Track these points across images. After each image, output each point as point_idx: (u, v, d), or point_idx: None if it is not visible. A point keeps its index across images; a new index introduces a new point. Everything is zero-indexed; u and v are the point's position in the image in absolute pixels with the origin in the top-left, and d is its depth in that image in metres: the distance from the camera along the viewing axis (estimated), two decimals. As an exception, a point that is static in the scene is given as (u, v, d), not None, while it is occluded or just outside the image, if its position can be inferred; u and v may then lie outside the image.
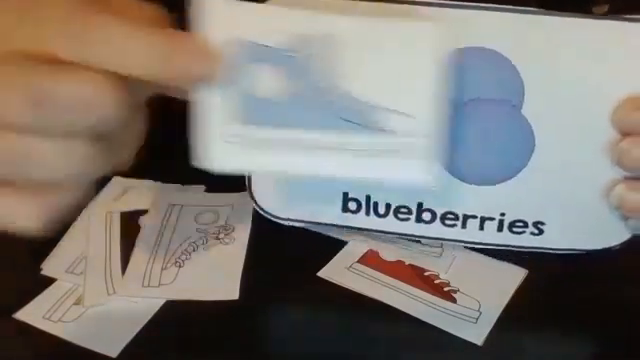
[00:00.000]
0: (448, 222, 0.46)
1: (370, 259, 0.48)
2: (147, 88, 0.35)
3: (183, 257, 0.48)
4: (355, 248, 0.49)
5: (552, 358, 0.42)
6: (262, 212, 0.48)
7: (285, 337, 0.43)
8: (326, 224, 0.48)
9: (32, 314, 0.44)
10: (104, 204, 0.52)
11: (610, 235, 0.45)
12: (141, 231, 0.50)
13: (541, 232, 0.45)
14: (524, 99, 0.41)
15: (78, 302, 0.45)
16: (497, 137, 0.43)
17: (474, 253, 0.48)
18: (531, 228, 0.45)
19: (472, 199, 0.45)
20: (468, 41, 0.40)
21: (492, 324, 0.43)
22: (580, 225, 0.45)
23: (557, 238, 0.45)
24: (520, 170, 0.43)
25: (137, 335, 0.42)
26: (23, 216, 0.34)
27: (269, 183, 0.47)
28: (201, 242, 0.49)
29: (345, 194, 0.46)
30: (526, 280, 0.46)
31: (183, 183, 0.54)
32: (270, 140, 0.34)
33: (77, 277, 0.46)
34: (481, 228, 0.45)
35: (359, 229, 0.47)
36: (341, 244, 0.49)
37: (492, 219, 0.45)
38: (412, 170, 0.35)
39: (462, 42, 0.40)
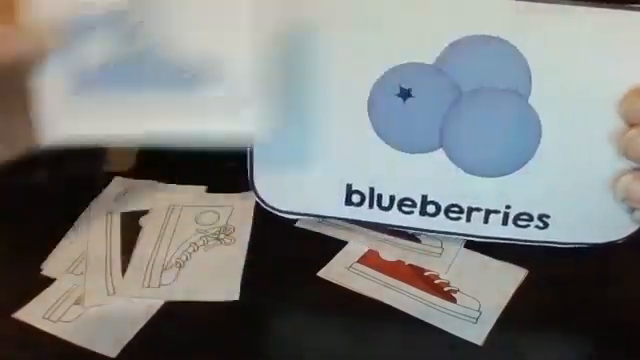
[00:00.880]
0: (452, 215, 0.45)
1: (370, 259, 0.48)
2: None
3: (183, 257, 0.48)
4: (355, 248, 0.49)
5: (552, 358, 0.42)
6: (264, 205, 0.48)
7: (285, 337, 0.43)
8: (328, 217, 0.48)
9: (32, 314, 0.44)
10: (104, 204, 0.52)
11: (615, 229, 0.44)
12: (141, 231, 0.50)
13: (546, 225, 0.45)
14: (531, 88, 0.41)
15: (78, 302, 0.45)
16: (503, 127, 0.42)
17: (474, 253, 0.48)
18: (536, 221, 0.45)
19: (477, 191, 0.44)
20: (475, 29, 0.40)
21: (492, 324, 0.43)
22: (585, 218, 0.44)
23: (562, 232, 0.45)
24: (526, 161, 0.43)
25: (137, 335, 0.42)
26: None
27: (272, 176, 0.47)
28: (201, 243, 0.49)
29: (349, 186, 0.46)
30: (526, 280, 0.46)
31: (183, 183, 0.54)
32: (105, 106, 0.36)
33: (77, 277, 0.46)
34: (485, 221, 0.45)
35: (361, 222, 0.47)
36: (341, 244, 0.49)
37: (497, 212, 0.45)
38: (236, 122, 0.37)
39: (468, 30, 0.40)
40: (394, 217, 0.46)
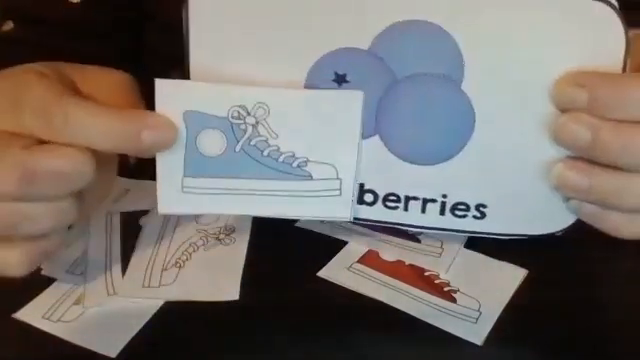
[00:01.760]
0: (390, 204, 0.45)
1: (370, 259, 0.48)
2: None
3: (183, 258, 0.48)
4: (355, 248, 0.49)
5: (552, 358, 0.42)
6: None
7: (285, 337, 0.43)
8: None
9: (32, 314, 0.44)
10: (104, 204, 0.52)
11: (554, 220, 0.44)
12: (141, 231, 0.50)
13: (483, 216, 0.44)
14: (464, 74, 0.41)
15: (78, 302, 0.45)
16: (436, 114, 0.42)
17: (474, 253, 0.48)
18: (473, 211, 0.44)
19: (413, 179, 0.44)
20: (407, 14, 0.40)
21: (492, 324, 0.43)
22: (523, 209, 0.44)
23: (499, 222, 0.44)
24: (461, 149, 0.42)
25: (137, 335, 0.42)
26: (13, 265, 0.40)
27: None
28: (201, 243, 0.49)
29: None
30: (526, 280, 0.46)
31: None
32: (217, 189, 0.42)
33: (77, 277, 0.46)
34: (423, 211, 0.45)
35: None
36: (341, 244, 0.49)
37: (434, 201, 0.44)
38: (332, 208, 0.43)
39: (402, 15, 0.40)
40: None
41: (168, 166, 0.41)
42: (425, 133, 0.42)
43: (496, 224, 0.45)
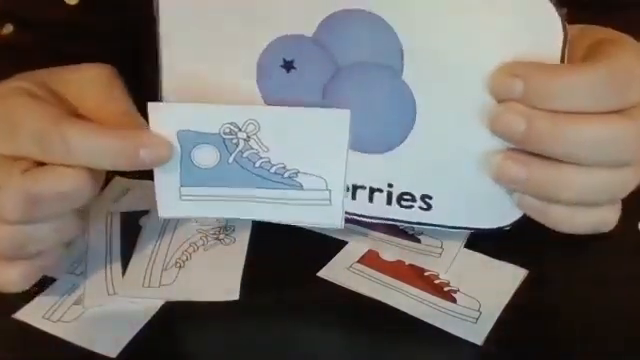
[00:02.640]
0: None
1: (370, 259, 0.48)
2: None
3: (183, 258, 0.48)
4: (355, 248, 0.49)
5: (552, 358, 0.42)
6: None
7: (285, 337, 0.43)
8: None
9: (32, 314, 0.44)
10: (104, 204, 0.52)
11: (500, 214, 0.44)
12: (141, 232, 0.50)
13: (429, 207, 0.45)
14: (404, 64, 0.41)
15: (78, 302, 0.45)
16: (378, 103, 0.42)
17: (474, 253, 0.48)
18: (419, 202, 0.45)
19: (360, 168, 0.44)
20: (347, 3, 0.40)
21: (492, 324, 0.43)
22: (468, 201, 0.44)
23: (445, 214, 0.45)
24: (404, 138, 0.43)
25: (137, 335, 0.42)
26: (13, 282, 0.41)
27: None
28: (201, 243, 0.49)
29: None
30: (526, 280, 0.46)
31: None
32: (212, 196, 0.44)
33: (77, 277, 0.46)
34: (370, 200, 0.45)
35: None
36: (341, 244, 0.49)
37: (380, 190, 0.45)
38: (322, 215, 0.45)
39: (343, 3, 0.40)
40: None
41: (165, 178, 0.43)
42: (368, 121, 0.43)
43: (442, 216, 0.45)
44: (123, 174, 0.53)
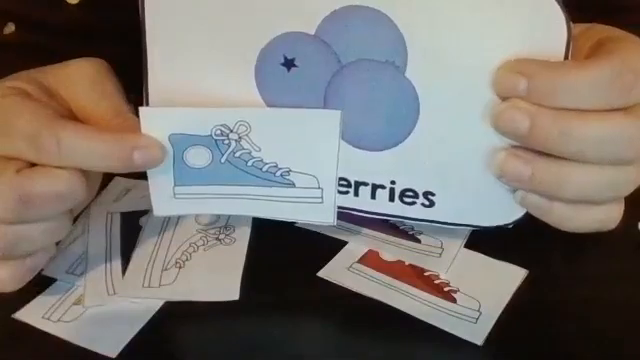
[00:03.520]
0: (341, 189, 0.45)
1: (370, 259, 0.48)
2: None
3: (183, 258, 0.48)
4: (355, 248, 0.49)
5: (552, 358, 0.42)
6: None
7: (285, 337, 0.43)
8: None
9: (32, 314, 0.44)
10: (104, 204, 0.52)
11: (503, 211, 0.44)
12: (141, 231, 0.50)
13: (432, 204, 0.45)
14: (407, 60, 0.41)
15: (78, 302, 0.45)
16: (381, 100, 0.42)
17: (474, 253, 0.48)
18: (422, 199, 0.44)
19: (362, 165, 0.44)
20: (345, 0, 0.40)
21: (492, 324, 0.43)
22: (471, 198, 0.44)
23: (448, 211, 0.45)
24: (407, 135, 0.43)
25: (137, 335, 0.42)
26: (4, 282, 0.42)
27: None
28: (201, 243, 0.49)
29: None
30: (526, 280, 0.46)
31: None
32: (206, 194, 0.45)
33: (77, 277, 0.46)
34: (373, 197, 0.45)
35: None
36: (341, 244, 0.49)
37: (383, 187, 0.45)
38: (315, 213, 0.45)
39: (340, 2, 0.40)
40: None
41: (159, 178, 0.44)
42: (371, 119, 0.43)
43: (445, 213, 0.45)
44: (123, 174, 0.53)
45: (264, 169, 0.44)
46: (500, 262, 0.47)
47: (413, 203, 0.45)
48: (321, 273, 0.47)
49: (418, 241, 0.49)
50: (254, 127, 0.43)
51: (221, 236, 0.50)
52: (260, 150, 0.43)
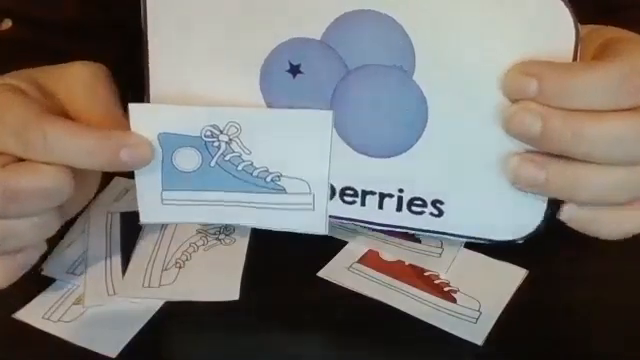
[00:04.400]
0: (347, 198, 0.44)
1: (370, 259, 0.48)
2: None
3: (183, 258, 0.48)
4: (355, 248, 0.49)
5: (552, 358, 0.42)
6: None
7: (285, 337, 0.43)
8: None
9: (32, 314, 0.44)
10: (104, 204, 0.52)
11: (514, 226, 0.43)
12: (141, 231, 0.50)
13: (441, 213, 0.44)
14: (415, 65, 0.40)
15: (78, 302, 0.45)
16: (388, 105, 0.41)
17: (474, 253, 0.48)
18: (430, 208, 0.44)
19: (369, 172, 0.43)
20: (356, 4, 0.39)
21: (492, 324, 0.43)
22: (481, 209, 0.43)
23: (457, 222, 0.44)
24: (415, 141, 0.42)
25: (137, 335, 0.43)
26: None
27: None
28: (201, 243, 0.49)
29: None
30: (526, 280, 0.46)
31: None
32: (194, 200, 0.44)
33: (77, 277, 0.46)
34: (380, 206, 0.44)
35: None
36: (341, 244, 0.49)
37: (391, 196, 0.44)
38: (306, 221, 0.44)
39: (352, 5, 0.39)
40: None
41: (147, 182, 0.43)
42: (378, 125, 0.42)
43: (453, 223, 0.44)
44: (123, 174, 0.53)
45: (254, 174, 0.43)
46: (500, 262, 0.47)
47: (421, 212, 0.44)
48: (321, 273, 0.47)
49: (418, 241, 0.49)
50: (245, 128, 0.42)
51: (221, 236, 0.50)
52: (250, 153, 0.43)
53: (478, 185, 0.42)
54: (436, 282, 0.46)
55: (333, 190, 0.44)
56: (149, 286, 0.46)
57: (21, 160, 0.40)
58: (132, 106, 0.41)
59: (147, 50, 0.42)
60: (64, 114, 0.42)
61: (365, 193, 0.44)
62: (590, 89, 0.37)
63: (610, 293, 0.46)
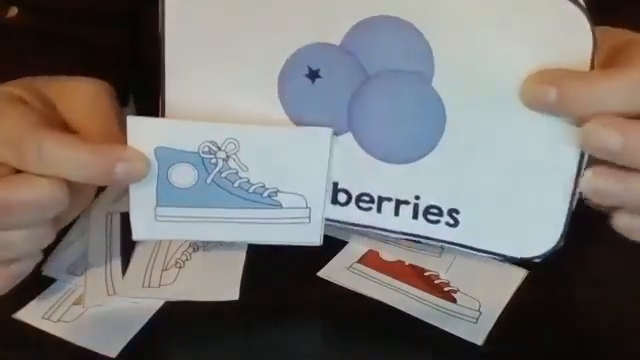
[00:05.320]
0: (363, 205, 0.44)
1: (370, 259, 0.48)
2: None
3: (183, 258, 0.48)
4: (355, 248, 0.49)
5: (552, 358, 0.42)
6: None
7: (285, 337, 0.43)
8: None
9: (32, 314, 0.44)
10: (104, 204, 0.52)
11: (532, 241, 0.43)
12: (141, 231, 0.50)
13: (457, 223, 0.44)
14: (434, 71, 0.40)
15: (78, 302, 0.45)
16: (407, 111, 0.41)
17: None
18: (446, 217, 0.43)
19: (386, 179, 0.43)
20: (378, 10, 0.39)
21: (492, 324, 0.43)
22: (497, 221, 0.43)
23: (472, 233, 0.44)
24: (432, 148, 0.42)
25: (137, 335, 0.43)
26: None
27: None
28: (201, 243, 0.49)
29: None
30: (526, 280, 0.46)
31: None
32: (188, 217, 0.44)
33: (77, 277, 0.46)
34: (396, 213, 0.44)
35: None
36: (341, 244, 0.49)
37: (407, 203, 0.44)
38: (301, 233, 0.45)
39: (372, 11, 0.39)
40: None
41: (141, 197, 0.43)
42: (396, 130, 0.42)
43: (469, 234, 0.44)
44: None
45: (250, 190, 0.43)
46: (500, 262, 0.47)
47: (437, 222, 0.44)
48: (321, 273, 0.47)
49: (418, 241, 0.49)
50: (243, 145, 0.42)
51: (221, 236, 0.50)
52: (247, 170, 0.42)
53: (494, 194, 0.42)
54: (436, 282, 0.46)
55: (349, 196, 0.44)
56: (149, 286, 0.46)
57: (18, 171, 0.39)
58: (130, 119, 0.41)
59: (164, 59, 0.42)
60: (64, 125, 0.42)
61: (382, 199, 0.44)
62: (610, 97, 0.37)
63: (610, 293, 0.46)
